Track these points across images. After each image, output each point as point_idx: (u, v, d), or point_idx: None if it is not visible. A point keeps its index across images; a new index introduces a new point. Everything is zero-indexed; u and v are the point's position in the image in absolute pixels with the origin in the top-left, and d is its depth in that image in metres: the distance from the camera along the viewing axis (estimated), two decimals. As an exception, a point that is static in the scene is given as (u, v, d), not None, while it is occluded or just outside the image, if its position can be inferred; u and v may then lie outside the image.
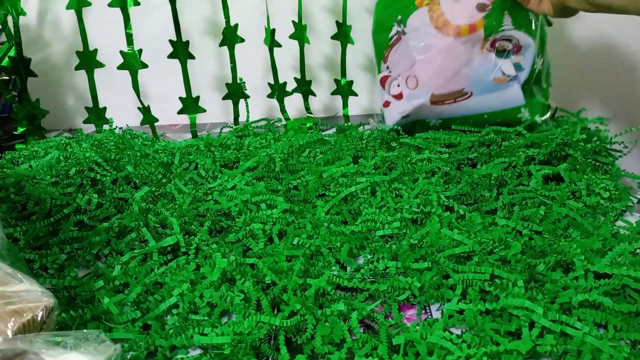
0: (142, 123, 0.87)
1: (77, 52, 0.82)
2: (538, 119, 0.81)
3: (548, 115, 0.83)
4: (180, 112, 0.88)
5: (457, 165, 0.73)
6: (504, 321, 0.46)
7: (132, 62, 0.83)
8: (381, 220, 0.60)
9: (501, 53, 0.77)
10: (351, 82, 0.92)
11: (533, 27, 0.76)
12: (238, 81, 0.89)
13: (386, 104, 0.86)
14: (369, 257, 0.57)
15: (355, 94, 0.94)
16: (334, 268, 0.56)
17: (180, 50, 0.84)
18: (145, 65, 0.84)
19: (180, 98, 0.87)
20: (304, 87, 0.92)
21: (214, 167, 0.73)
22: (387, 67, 0.84)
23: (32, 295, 0.38)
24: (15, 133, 0.87)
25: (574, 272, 0.49)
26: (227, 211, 0.64)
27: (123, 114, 0.92)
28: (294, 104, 0.96)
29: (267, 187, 0.69)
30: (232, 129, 0.89)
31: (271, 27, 0.86)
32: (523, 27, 0.76)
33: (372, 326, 0.49)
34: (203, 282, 0.51)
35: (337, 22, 0.87)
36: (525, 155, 0.69)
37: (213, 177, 0.72)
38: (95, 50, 0.83)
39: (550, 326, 0.43)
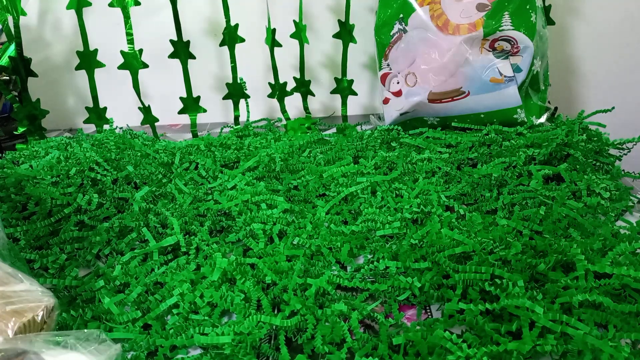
0: (143, 123, 0.88)
1: (78, 52, 0.82)
2: (534, 120, 0.82)
3: (545, 116, 0.83)
4: (180, 112, 0.89)
5: (457, 165, 0.73)
6: (504, 321, 0.46)
7: (132, 62, 0.83)
8: (381, 220, 0.60)
9: (500, 53, 0.77)
10: (351, 81, 0.92)
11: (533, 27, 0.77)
12: (238, 81, 0.89)
13: (385, 101, 0.87)
14: (369, 257, 0.57)
15: (355, 94, 0.94)
16: (334, 268, 0.56)
17: (181, 50, 0.84)
18: (145, 65, 0.84)
19: (181, 98, 0.87)
20: (303, 88, 0.92)
21: (215, 167, 0.73)
22: (388, 65, 0.85)
23: (32, 295, 0.38)
24: (16, 133, 0.87)
25: (574, 272, 0.49)
26: (227, 211, 0.64)
27: (123, 114, 0.92)
28: (294, 104, 0.96)
29: (268, 187, 0.69)
30: (232, 129, 0.89)
31: (272, 27, 0.86)
32: (522, 28, 0.76)
33: (372, 326, 0.49)
34: (203, 282, 0.51)
35: (339, 20, 0.87)
36: (526, 155, 0.69)
37: (213, 177, 0.72)
38: (96, 50, 0.83)
39: (551, 326, 0.43)
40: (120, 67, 0.83)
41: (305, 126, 0.93)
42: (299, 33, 0.87)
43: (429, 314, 0.51)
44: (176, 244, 0.59)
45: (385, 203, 0.64)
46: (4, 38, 0.83)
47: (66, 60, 0.97)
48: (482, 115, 0.82)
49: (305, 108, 0.94)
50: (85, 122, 0.88)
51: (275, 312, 0.50)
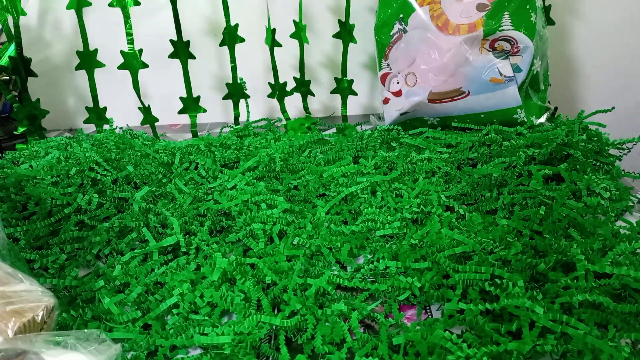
0: (143, 123, 0.88)
1: (78, 52, 0.82)
2: (534, 120, 0.82)
3: (545, 116, 0.83)
4: (180, 112, 0.89)
5: (457, 165, 0.73)
6: (504, 321, 0.46)
7: (132, 62, 0.83)
8: (381, 220, 0.60)
9: (500, 53, 0.77)
10: (351, 81, 0.92)
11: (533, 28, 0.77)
12: (238, 81, 0.89)
13: (385, 101, 0.87)
14: (369, 257, 0.57)
15: (355, 94, 0.94)
16: (334, 268, 0.56)
17: (181, 50, 0.84)
18: (145, 65, 0.84)
19: (181, 98, 0.87)
20: (303, 88, 0.92)
21: (215, 167, 0.73)
22: (388, 65, 0.85)
23: (32, 295, 0.38)
24: (16, 133, 0.87)
25: (574, 272, 0.49)
26: (227, 211, 0.64)
27: (123, 113, 0.92)
28: (294, 103, 0.96)
29: (268, 187, 0.69)
30: (232, 129, 0.89)
31: (272, 27, 0.86)
32: (522, 28, 0.76)
33: (372, 326, 0.49)
34: (203, 282, 0.51)
35: (339, 20, 0.87)
36: (526, 155, 0.69)
37: (213, 177, 0.72)
38: (96, 50, 0.83)
39: (551, 326, 0.43)
40: (120, 67, 0.83)
41: (305, 126, 0.93)
42: (299, 33, 0.87)
43: (429, 314, 0.51)
44: (176, 244, 0.59)
45: (385, 203, 0.64)
46: (4, 38, 0.83)
47: (66, 60, 0.97)
48: (482, 115, 0.82)
49: (305, 108, 0.94)
50: (85, 122, 0.88)
51: (275, 312, 0.50)
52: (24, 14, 0.80)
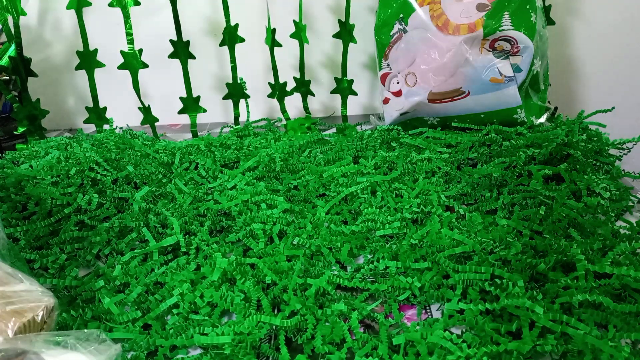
0: (143, 123, 0.88)
1: (78, 52, 0.82)
2: (534, 120, 0.82)
3: (545, 116, 0.83)
4: (180, 112, 0.89)
5: (457, 165, 0.73)
6: (504, 321, 0.46)
7: (132, 62, 0.83)
8: (381, 220, 0.60)
9: (500, 53, 0.77)
10: (351, 81, 0.92)
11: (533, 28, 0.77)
12: (238, 81, 0.89)
13: (385, 101, 0.87)
14: (369, 257, 0.57)
15: (355, 94, 0.94)
16: (334, 268, 0.56)
17: (181, 50, 0.84)
18: (145, 65, 0.84)
19: (181, 98, 0.87)
20: (303, 88, 0.92)
21: (215, 167, 0.73)
22: (388, 65, 0.85)
23: (32, 295, 0.38)
24: (16, 133, 0.87)
25: (574, 272, 0.49)
26: (227, 211, 0.64)
27: (123, 113, 0.92)
28: (294, 103, 0.96)
29: (268, 187, 0.69)
30: (232, 129, 0.89)
31: (272, 27, 0.86)
32: (522, 28, 0.76)
33: (372, 326, 0.49)
34: (203, 282, 0.51)
35: (339, 20, 0.87)
36: (526, 155, 0.69)
37: (213, 177, 0.72)
38: (96, 50, 0.83)
39: (551, 326, 0.43)
40: (120, 67, 0.83)
41: (305, 126, 0.93)
42: (299, 33, 0.87)
43: (429, 314, 0.51)
44: (176, 244, 0.59)
45: (385, 203, 0.64)
46: (4, 38, 0.83)
47: (66, 60, 0.97)
48: (482, 115, 0.82)
49: (305, 108, 0.94)
50: (85, 122, 0.88)
51: (275, 312, 0.50)
52: (24, 14, 0.80)
